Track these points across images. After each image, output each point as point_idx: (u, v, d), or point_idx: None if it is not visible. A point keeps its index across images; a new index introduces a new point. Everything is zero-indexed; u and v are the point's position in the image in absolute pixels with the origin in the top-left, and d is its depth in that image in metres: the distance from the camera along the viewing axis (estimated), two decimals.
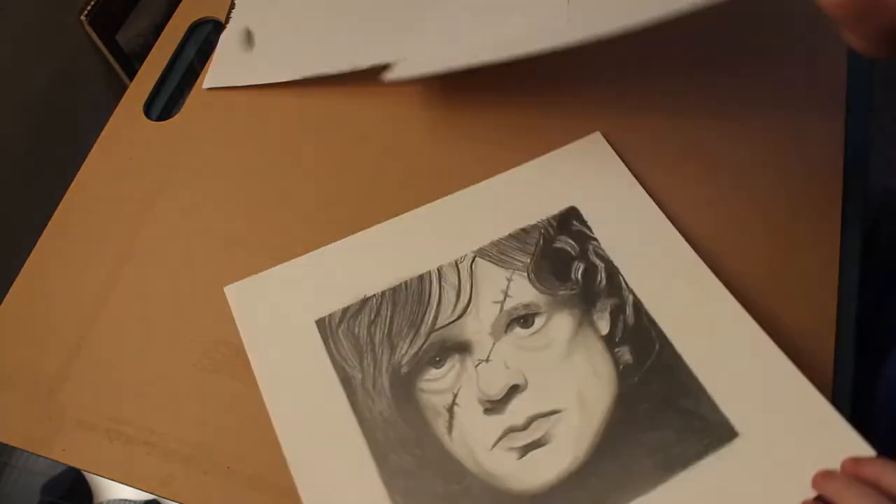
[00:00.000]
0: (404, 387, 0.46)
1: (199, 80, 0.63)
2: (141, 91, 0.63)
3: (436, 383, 0.46)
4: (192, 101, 0.62)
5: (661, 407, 0.44)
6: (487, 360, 0.46)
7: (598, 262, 0.50)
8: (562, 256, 0.50)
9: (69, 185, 0.59)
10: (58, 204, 0.58)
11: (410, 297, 0.49)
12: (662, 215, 0.51)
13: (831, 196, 0.53)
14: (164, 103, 0.64)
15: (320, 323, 0.49)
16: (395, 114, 0.60)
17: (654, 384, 0.45)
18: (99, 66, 0.72)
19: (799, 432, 0.43)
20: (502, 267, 0.50)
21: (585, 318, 0.48)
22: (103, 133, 0.61)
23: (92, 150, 0.61)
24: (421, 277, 0.49)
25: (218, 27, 0.67)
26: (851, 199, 0.53)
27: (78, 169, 0.60)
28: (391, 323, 0.48)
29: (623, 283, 0.49)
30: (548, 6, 0.54)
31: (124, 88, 0.64)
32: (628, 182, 0.53)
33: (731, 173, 0.55)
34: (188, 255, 0.55)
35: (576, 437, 0.44)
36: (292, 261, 0.52)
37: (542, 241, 0.51)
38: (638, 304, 0.48)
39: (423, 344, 0.47)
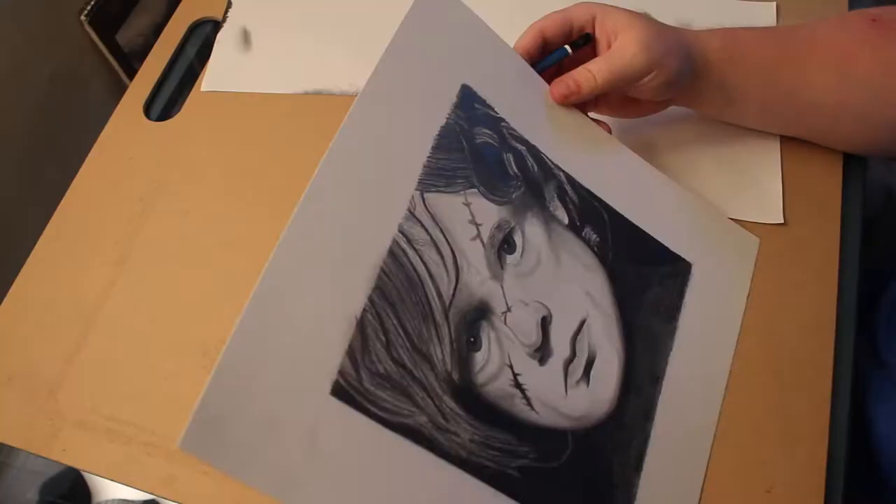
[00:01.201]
0: (470, 395, 0.40)
1: (198, 81, 0.63)
2: (141, 91, 0.63)
3: (489, 367, 0.42)
4: (191, 101, 0.62)
5: (638, 269, 0.47)
6: (509, 310, 0.43)
7: (518, 145, 0.46)
8: (490, 153, 0.45)
9: (69, 185, 0.59)
10: (58, 204, 0.58)
11: (400, 285, 0.40)
12: (536, 75, 0.48)
13: (831, 196, 0.53)
14: (163, 103, 0.64)
15: (338, 393, 0.37)
16: None
17: (623, 251, 0.47)
18: (99, 66, 0.72)
19: (717, 241, 0.50)
20: (452, 192, 0.43)
21: (545, 213, 0.46)
22: (103, 133, 0.61)
23: (92, 150, 0.61)
24: (392, 253, 0.39)
25: (217, 27, 0.67)
26: (851, 198, 0.53)
27: (78, 169, 0.60)
28: (405, 331, 0.39)
29: (548, 161, 0.47)
30: None
31: (124, 88, 0.64)
32: (493, 41, 0.47)
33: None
34: (188, 255, 0.55)
35: (609, 336, 0.45)
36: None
37: (464, 142, 0.44)
38: (571, 180, 0.47)
39: (450, 330, 0.40)
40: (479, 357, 0.41)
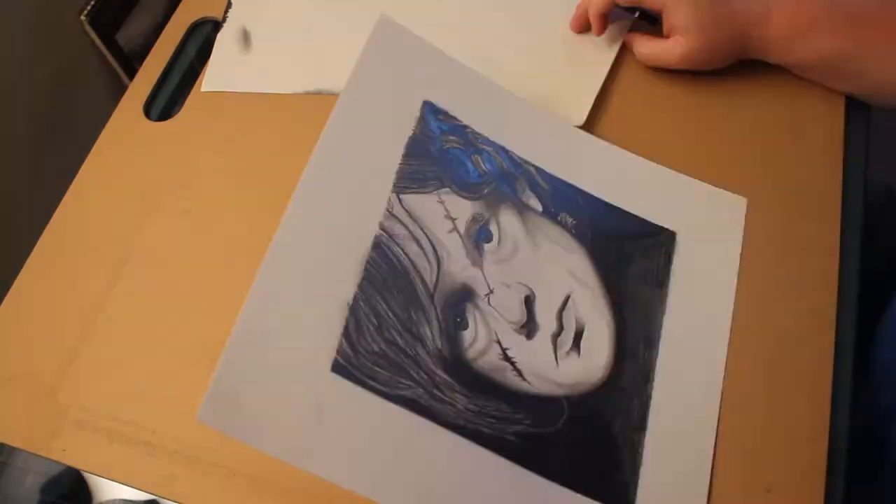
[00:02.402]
0: (461, 369, 0.44)
1: (199, 81, 0.63)
2: (141, 91, 0.63)
3: (478, 344, 0.45)
4: (192, 101, 0.62)
5: (620, 244, 0.50)
6: (492, 292, 0.47)
7: (484, 146, 0.51)
8: (458, 155, 0.50)
9: (69, 185, 0.59)
10: (58, 204, 0.58)
11: (386, 274, 0.45)
12: (497, 86, 0.53)
13: (831, 196, 0.53)
14: (163, 103, 0.64)
15: (338, 369, 0.42)
16: None
17: (601, 230, 0.50)
18: (99, 66, 0.71)
19: (699, 207, 0.52)
20: (426, 192, 0.48)
21: (519, 204, 0.50)
22: (103, 133, 0.61)
23: (92, 150, 0.60)
24: (376, 246, 0.45)
25: (217, 27, 0.67)
26: (851, 198, 0.53)
27: (78, 169, 0.60)
28: (394, 314, 0.44)
29: (516, 157, 0.51)
30: None
31: (124, 88, 0.64)
32: (448, 62, 0.52)
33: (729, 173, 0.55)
34: (188, 255, 0.55)
35: (596, 307, 0.48)
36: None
37: (432, 149, 0.49)
38: (540, 171, 0.51)
39: (437, 312, 0.45)
40: (467, 335, 0.45)
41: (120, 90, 0.64)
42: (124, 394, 0.50)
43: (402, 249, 0.45)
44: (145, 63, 0.65)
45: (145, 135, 0.61)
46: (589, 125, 0.56)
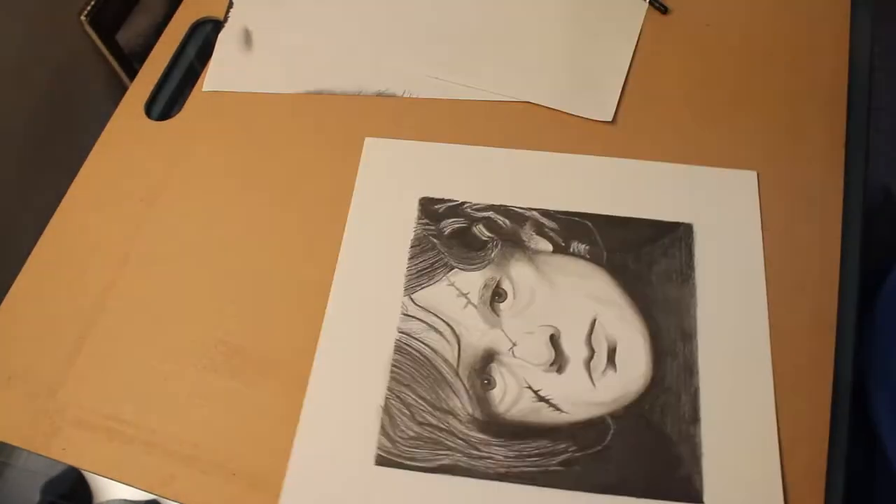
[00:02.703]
0: (496, 424, 0.46)
1: (199, 80, 0.63)
2: (141, 91, 0.63)
3: (508, 397, 0.47)
4: (192, 100, 0.62)
5: (638, 253, 0.51)
6: (515, 345, 0.48)
7: (484, 213, 0.54)
8: (460, 234, 0.53)
9: (69, 185, 0.59)
10: (58, 204, 0.58)
11: (410, 368, 0.49)
12: (479, 148, 0.56)
13: (831, 196, 0.53)
14: (164, 103, 0.64)
15: (381, 462, 0.46)
16: (395, 114, 0.60)
17: (616, 245, 0.52)
18: (99, 66, 0.71)
19: (709, 192, 0.53)
20: (436, 282, 0.51)
21: (528, 252, 0.52)
22: (104, 133, 0.61)
23: (92, 150, 0.61)
24: (398, 349, 0.49)
25: (218, 27, 0.67)
26: (851, 198, 0.53)
27: (78, 169, 0.60)
28: (423, 398, 0.47)
29: (517, 210, 0.54)
30: None
31: (124, 88, 0.64)
32: (436, 151, 0.57)
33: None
34: (188, 255, 0.55)
35: (625, 320, 0.49)
36: None
37: (435, 240, 0.53)
38: (545, 212, 0.53)
39: (463, 383, 0.48)
40: (496, 392, 0.47)
41: (120, 90, 0.64)
42: (124, 393, 0.50)
43: (422, 342, 0.49)
44: (146, 63, 0.65)
45: (146, 135, 0.61)
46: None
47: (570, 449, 0.45)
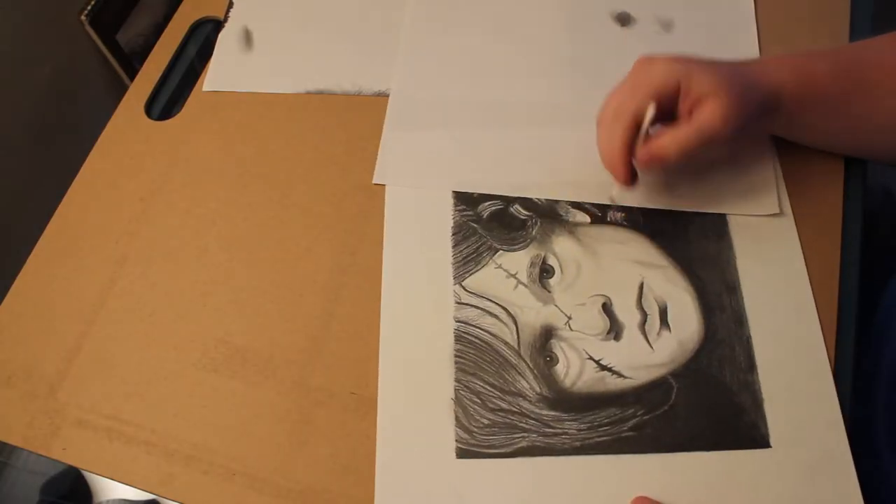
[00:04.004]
0: (565, 400, 0.47)
1: (199, 80, 0.63)
2: (142, 91, 0.63)
3: (572, 370, 0.48)
4: (192, 100, 0.62)
5: (674, 218, 0.52)
6: (570, 318, 0.49)
7: (519, 193, 0.54)
8: (498, 216, 0.53)
9: (69, 185, 0.59)
10: (58, 204, 0.58)
11: (474, 356, 0.49)
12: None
13: (832, 198, 0.53)
14: (164, 103, 0.64)
15: (462, 454, 0.47)
16: None
17: (647, 209, 0.52)
18: (99, 66, 0.72)
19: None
20: (483, 266, 0.52)
21: (568, 226, 0.53)
22: (103, 133, 0.61)
23: (92, 150, 0.61)
24: (457, 339, 0.49)
25: (218, 27, 0.67)
26: (851, 199, 0.53)
27: (78, 169, 0.60)
28: (491, 385, 0.48)
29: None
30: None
31: (124, 88, 0.64)
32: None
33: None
34: (188, 255, 0.55)
35: (671, 280, 0.50)
36: None
37: (475, 224, 0.53)
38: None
39: (527, 363, 0.48)
40: (560, 368, 0.48)
41: (120, 90, 0.64)
42: (124, 393, 0.50)
43: (480, 328, 0.50)
44: (146, 63, 0.65)
45: (146, 134, 0.61)
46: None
47: (639, 413, 0.46)
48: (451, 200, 0.54)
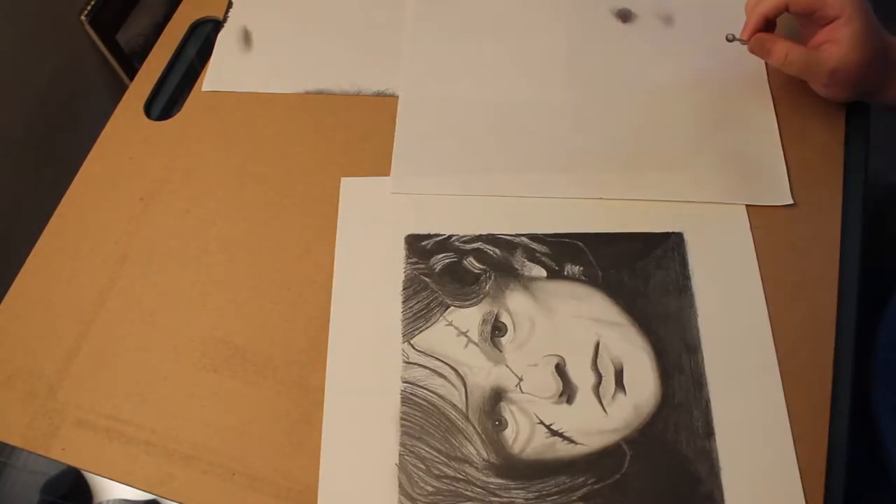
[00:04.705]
0: (512, 467, 0.45)
1: (199, 80, 0.63)
2: (141, 91, 0.63)
3: (521, 435, 0.46)
4: (192, 100, 0.62)
5: (632, 267, 0.50)
6: (521, 379, 0.47)
7: (472, 245, 0.52)
8: (451, 269, 0.51)
9: (69, 185, 0.59)
10: (58, 204, 0.58)
11: (420, 419, 0.47)
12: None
13: (831, 196, 0.53)
14: (164, 103, 0.64)
15: None
16: (394, 114, 0.60)
17: (610, 263, 0.51)
18: (99, 66, 0.72)
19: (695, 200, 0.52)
20: (433, 324, 0.50)
21: (522, 280, 0.51)
22: (103, 133, 0.61)
23: (92, 150, 0.60)
24: (404, 401, 0.47)
25: (218, 27, 0.67)
26: (851, 198, 0.53)
27: (78, 169, 0.60)
28: (437, 450, 0.46)
29: (505, 237, 0.52)
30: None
31: (124, 88, 0.64)
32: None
33: None
34: (188, 255, 0.55)
35: (628, 339, 0.48)
36: None
37: (426, 279, 0.51)
38: (534, 237, 0.52)
39: (475, 427, 0.47)
40: (509, 433, 0.46)
41: (120, 90, 0.64)
42: (124, 393, 0.50)
43: (427, 389, 0.48)
44: (146, 63, 0.65)
45: (146, 134, 0.61)
46: None
47: (590, 482, 0.44)
48: (402, 252, 0.52)
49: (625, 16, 0.62)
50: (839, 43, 0.50)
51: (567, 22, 0.63)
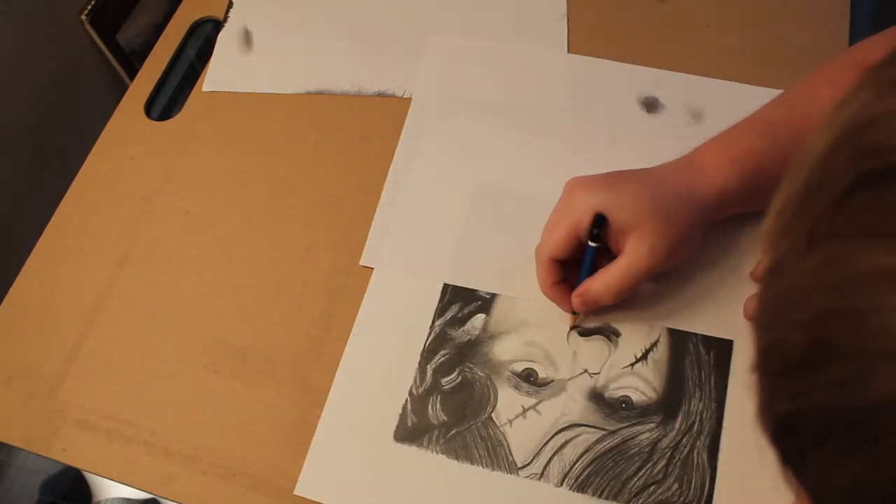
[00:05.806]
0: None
1: (199, 80, 0.63)
2: (141, 91, 0.63)
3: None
4: (192, 100, 0.62)
5: None
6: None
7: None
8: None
9: (69, 185, 0.59)
10: (58, 204, 0.58)
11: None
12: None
13: None
14: (164, 103, 0.64)
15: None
16: (395, 115, 0.60)
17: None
18: (99, 66, 0.72)
19: None
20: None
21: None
22: (103, 133, 0.61)
23: (92, 150, 0.61)
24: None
25: (218, 27, 0.67)
26: None
27: (78, 169, 0.60)
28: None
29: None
30: None
31: (124, 88, 0.64)
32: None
33: None
34: (188, 255, 0.55)
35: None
36: None
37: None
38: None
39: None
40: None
41: (120, 90, 0.64)
42: (124, 394, 0.50)
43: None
44: (146, 63, 0.65)
45: (146, 134, 0.61)
46: None
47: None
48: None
49: (651, 105, 0.58)
50: (637, 251, 0.45)
51: (592, 113, 0.58)
